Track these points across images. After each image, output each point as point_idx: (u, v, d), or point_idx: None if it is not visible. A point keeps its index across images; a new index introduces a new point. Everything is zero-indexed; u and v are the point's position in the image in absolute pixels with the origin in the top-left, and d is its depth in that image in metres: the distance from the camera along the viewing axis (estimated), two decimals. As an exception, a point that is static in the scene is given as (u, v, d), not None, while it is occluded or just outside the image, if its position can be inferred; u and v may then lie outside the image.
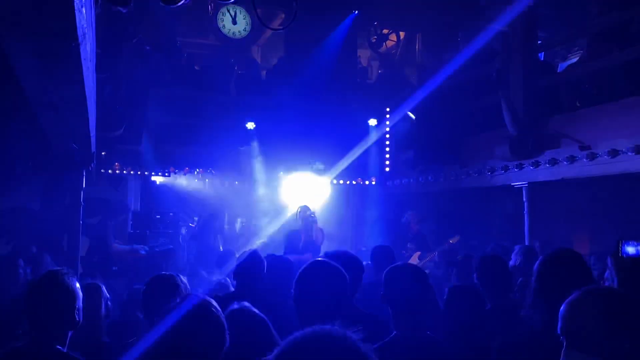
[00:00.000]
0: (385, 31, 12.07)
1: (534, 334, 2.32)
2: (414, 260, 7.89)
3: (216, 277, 5.64)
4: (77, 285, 2.66)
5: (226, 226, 9.45)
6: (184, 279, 3.20)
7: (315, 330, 1.22)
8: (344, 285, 2.37)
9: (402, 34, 12.23)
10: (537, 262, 2.42)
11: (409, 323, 2.56)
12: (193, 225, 9.00)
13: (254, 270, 3.82)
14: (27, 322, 2.50)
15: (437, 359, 2.53)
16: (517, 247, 5.36)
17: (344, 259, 2.98)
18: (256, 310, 2.51)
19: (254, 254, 3.98)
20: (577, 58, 8.46)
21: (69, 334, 2.57)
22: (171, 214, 9.09)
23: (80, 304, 2.62)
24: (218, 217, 7.72)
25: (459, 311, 3.05)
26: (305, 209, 7.83)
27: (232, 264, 4.03)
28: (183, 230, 9.00)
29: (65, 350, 2.53)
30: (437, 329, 3.06)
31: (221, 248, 7.76)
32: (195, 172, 9.02)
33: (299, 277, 2.35)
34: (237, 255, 4.41)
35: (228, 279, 5.04)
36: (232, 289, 4.76)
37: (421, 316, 2.60)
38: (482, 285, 3.63)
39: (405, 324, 2.56)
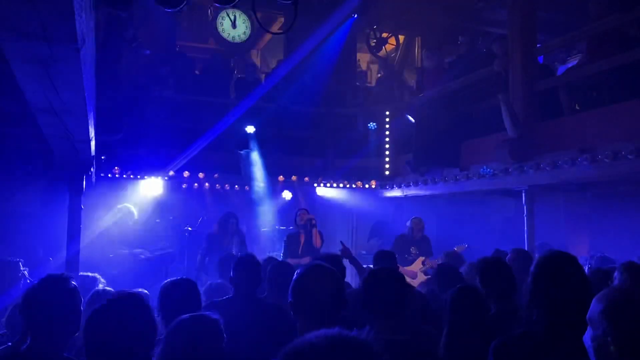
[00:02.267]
0: (384, 35, 12.09)
1: (529, 333, 2.33)
2: (418, 265, 7.88)
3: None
4: (77, 289, 2.66)
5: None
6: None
7: (328, 332, 1.23)
8: (340, 288, 2.37)
9: (401, 37, 12.25)
10: (534, 264, 2.44)
11: (387, 326, 2.61)
12: (190, 229, 8.98)
13: (250, 274, 3.80)
14: (28, 325, 2.47)
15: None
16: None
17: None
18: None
19: (250, 258, 3.95)
20: (577, 61, 8.47)
21: (70, 338, 2.56)
22: (171, 217, 9.09)
23: (82, 307, 2.62)
24: (231, 218, 7.72)
25: (462, 313, 3.05)
26: (303, 212, 7.82)
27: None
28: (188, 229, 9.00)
29: (67, 355, 2.52)
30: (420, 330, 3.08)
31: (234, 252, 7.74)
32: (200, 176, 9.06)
33: (295, 282, 2.35)
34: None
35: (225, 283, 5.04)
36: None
37: (399, 319, 2.65)
38: (486, 289, 3.62)
39: (384, 327, 2.61)
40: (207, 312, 2.64)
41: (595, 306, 1.79)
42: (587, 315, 1.80)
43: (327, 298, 2.28)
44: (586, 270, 4.58)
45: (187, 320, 2.53)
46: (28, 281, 4.71)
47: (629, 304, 1.73)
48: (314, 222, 7.65)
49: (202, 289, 4.70)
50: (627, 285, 3.27)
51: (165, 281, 3.35)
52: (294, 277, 2.37)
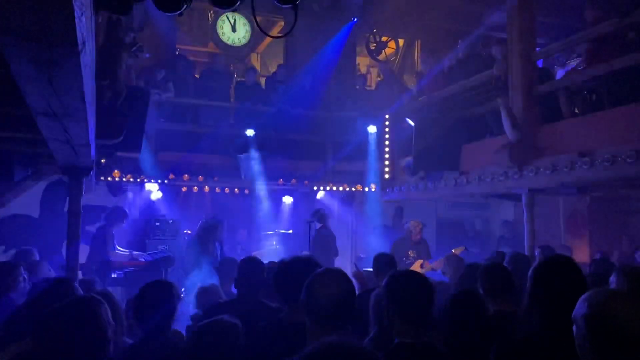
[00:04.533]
0: (384, 39, 12.11)
1: (530, 337, 2.33)
2: (416, 268, 7.88)
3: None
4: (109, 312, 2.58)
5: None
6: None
7: (332, 341, 1.36)
8: (351, 293, 2.43)
9: (401, 41, 12.28)
10: (532, 267, 2.45)
11: (411, 330, 2.57)
12: (190, 232, 8.98)
13: (254, 276, 3.82)
14: (33, 326, 2.45)
15: None
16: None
17: None
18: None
19: (253, 260, 3.98)
20: (576, 64, 8.49)
21: None
22: (170, 221, 9.09)
23: (111, 334, 2.49)
24: (220, 224, 7.69)
25: (460, 317, 3.05)
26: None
27: (233, 272, 4.02)
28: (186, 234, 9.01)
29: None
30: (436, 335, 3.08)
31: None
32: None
33: (310, 282, 2.40)
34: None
35: (217, 285, 5.04)
36: (224, 296, 4.76)
37: (424, 323, 2.62)
38: (486, 293, 3.63)
39: (408, 331, 2.57)
40: (227, 316, 2.66)
41: (579, 307, 1.77)
42: (572, 314, 1.79)
43: (338, 301, 2.33)
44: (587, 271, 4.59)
45: (208, 325, 2.56)
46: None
47: (612, 314, 1.69)
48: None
49: (193, 293, 4.73)
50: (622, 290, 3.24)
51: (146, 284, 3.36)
52: (310, 277, 2.42)
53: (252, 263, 3.93)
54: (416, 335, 2.56)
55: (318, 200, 10.29)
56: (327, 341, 1.38)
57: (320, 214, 8.69)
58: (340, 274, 2.48)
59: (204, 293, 4.71)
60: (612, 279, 3.45)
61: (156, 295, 3.14)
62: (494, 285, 3.63)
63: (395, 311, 2.61)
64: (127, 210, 7.79)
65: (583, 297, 1.79)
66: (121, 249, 7.83)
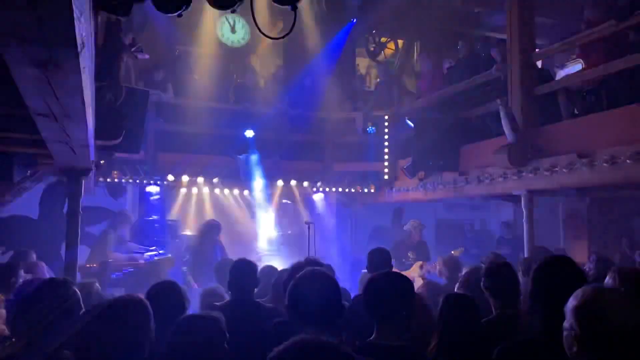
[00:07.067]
0: (383, 39, 12.11)
1: (532, 338, 2.33)
2: (416, 269, 7.88)
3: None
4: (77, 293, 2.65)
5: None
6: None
7: (305, 338, 1.38)
8: (335, 294, 2.41)
9: (400, 42, 12.27)
10: (534, 268, 2.45)
11: (386, 330, 2.58)
12: (190, 233, 8.97)
13: (246, 278, 3.83)
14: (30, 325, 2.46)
15: None
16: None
17: None
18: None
19: (245, 263, 3.99)
20: (575, 65, 8.48)
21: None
22: (169, 221, 9.08)
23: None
24: (216, 227, 7.68)
25: (454, 319, 3.04)
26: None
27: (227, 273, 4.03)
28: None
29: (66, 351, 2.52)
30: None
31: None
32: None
33: (293, 286, 2.39)
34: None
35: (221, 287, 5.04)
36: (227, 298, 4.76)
37: (398, 324, 2.61)
38: (491, 293, 3.60)
39: (383, 331, 2.59)
40: (208, 312, 2.66)
41: (570, 301, 1.82)
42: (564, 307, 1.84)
43: (322, 303, 2.31)
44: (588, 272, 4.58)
45: (190, 319, 2.56)
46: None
47: (599, 311, 1.74)
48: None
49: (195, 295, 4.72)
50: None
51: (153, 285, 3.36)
52: (293, 280, 2.41)
53: (244, 265, 3.95)
54: (391, 337, 2.56)
55: (314, 201, 10.28)
56: (299, 339, 1.40)
57: None
58: (325, 276, 2.47)
59: (208, 294, 4.70)
60: (607, 280, 3.45)
61: (166, 298, 3.12)
62: (498, 286, 3.59)
63: (371, 313, 2.65)
64: (127, 213, 7.80)
65: (575, 292, 1.83)
66: (135, 245, 7.89)
